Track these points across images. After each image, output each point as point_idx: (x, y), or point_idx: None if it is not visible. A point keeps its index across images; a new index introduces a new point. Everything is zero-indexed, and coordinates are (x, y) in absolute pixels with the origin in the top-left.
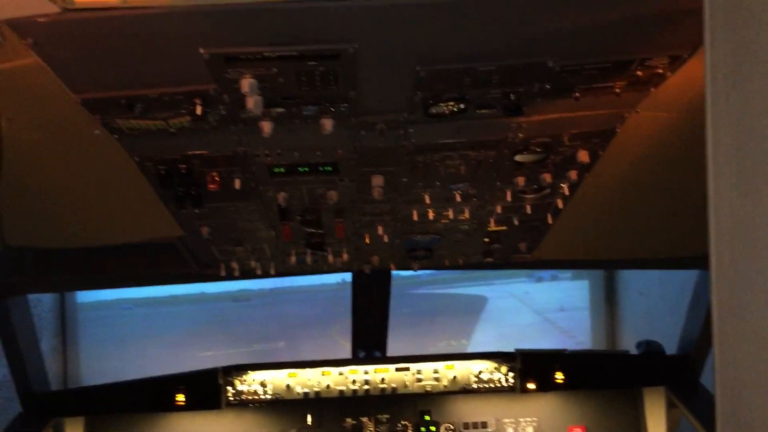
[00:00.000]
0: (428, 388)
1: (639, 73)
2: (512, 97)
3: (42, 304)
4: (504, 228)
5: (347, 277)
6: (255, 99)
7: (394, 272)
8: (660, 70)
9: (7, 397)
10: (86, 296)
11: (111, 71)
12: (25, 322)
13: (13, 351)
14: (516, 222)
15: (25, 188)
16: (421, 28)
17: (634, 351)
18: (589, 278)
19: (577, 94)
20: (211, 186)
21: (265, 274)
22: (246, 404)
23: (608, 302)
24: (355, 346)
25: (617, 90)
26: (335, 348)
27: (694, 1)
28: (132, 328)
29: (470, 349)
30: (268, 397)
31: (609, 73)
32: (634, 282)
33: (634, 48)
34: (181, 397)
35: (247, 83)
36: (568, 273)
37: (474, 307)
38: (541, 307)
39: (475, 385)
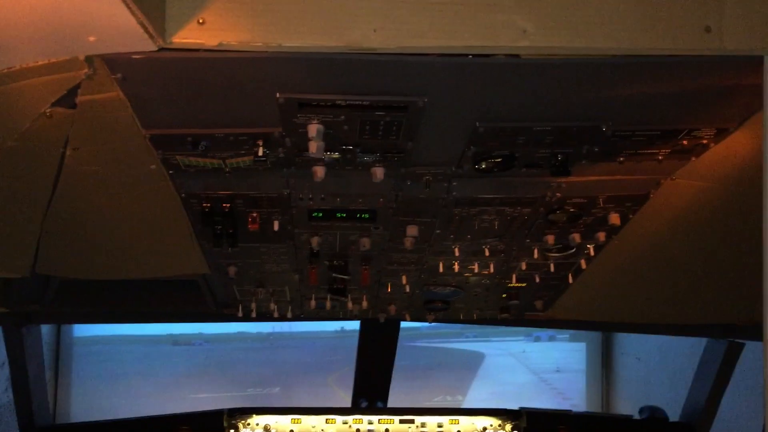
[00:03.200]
0: None
1: (684, 142)
2: (560, 157)
3: None
4: (524, 285)
5: (347, 325)
6: (318, 144)
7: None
8: (705, 141)
9: None
10: (82, 330)
11: (186, 109)
12: (36, 353)
13: (21, 381)
14: (537, 279)
15: (70, 217)
16: (487, 86)
17: (636, 416)
18: (586, 341)
19: (621, 159)
20: (251, 226)
21: (282, 317)
22: None
23: (605, 366)
24: (357, 394)
25: (660, 157)
26: (331, 396)
27: (745, 76)
28: (126, 366)
29: (465, 406)
30: None
31: (657, 140)
32: (632, 347)
33: (685, 118)
34: None
35: (314, 128)
36: (566, 334)
37: (471, 363)
38: (538, 367)
39: None
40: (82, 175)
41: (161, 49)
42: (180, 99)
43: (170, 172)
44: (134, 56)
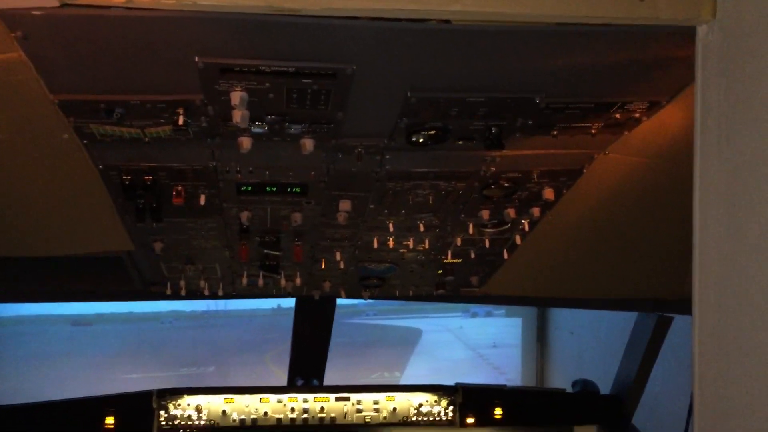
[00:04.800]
0: (368, 419)
1: (617, 115)
2: (493, 130)
3: None
4: (459, 261)
5: (283, 303)
6: (243, 113)
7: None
8: (637, 115)
9: None
10: (5, 310)
11: (96, 73)
12: None
13: None
14: (472, 255)
15: None
16: (419, 54)
17: (569, 389)
18: (522, 316)
19: (555, 132)
20: (176, 200)
21: (213, 295)
22: (178, 430)
23: (540, 341)
24: (293, 373)
25: (593, 131)
26: (267, 375)
27: (678, 48)
28: (53, 347)
29: (403, 382)
30: (203, 423)
31: (590, 113)
32: (565, 322)
33: (617, 91)
34: (110, 420)
35: (237, 96)
36: (502, 310)
37: (409, 340)
38: (475, 343)
39: (414, 418)
40: None
41: (64, 5)
42: (89, 61)
43: (84, 141)
44: (34, 12)
